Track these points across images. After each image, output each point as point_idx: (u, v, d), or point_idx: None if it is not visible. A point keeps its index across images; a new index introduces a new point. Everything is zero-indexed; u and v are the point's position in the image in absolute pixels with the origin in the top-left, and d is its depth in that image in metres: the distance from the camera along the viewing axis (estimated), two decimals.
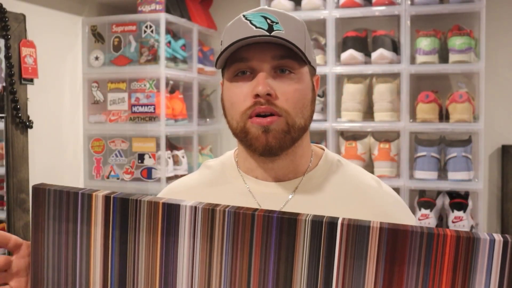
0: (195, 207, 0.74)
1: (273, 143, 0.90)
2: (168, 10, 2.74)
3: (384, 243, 0.68)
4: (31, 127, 2.23)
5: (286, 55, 0.90)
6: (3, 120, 2.17)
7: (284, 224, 0.71)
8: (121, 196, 0.77)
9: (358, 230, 0.69)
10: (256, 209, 0.73)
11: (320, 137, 2.76)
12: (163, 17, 2.62)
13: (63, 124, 2.61)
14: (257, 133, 0.89)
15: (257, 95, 0.89)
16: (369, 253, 0.69)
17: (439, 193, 2.64)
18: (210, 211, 0.73)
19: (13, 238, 0.82)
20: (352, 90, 2.64)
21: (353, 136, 2.75)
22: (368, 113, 2.72)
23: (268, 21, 0.90)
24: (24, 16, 2.23)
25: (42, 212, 0.80)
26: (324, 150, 1.04)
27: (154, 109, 2.61)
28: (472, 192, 2.57)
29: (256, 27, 0.89)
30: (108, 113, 2.70)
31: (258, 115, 0.90)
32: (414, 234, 0.68)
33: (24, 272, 0.83)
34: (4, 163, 2.18)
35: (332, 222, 0.70)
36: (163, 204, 0.75)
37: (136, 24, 2.66)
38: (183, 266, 0.74)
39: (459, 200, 2.55)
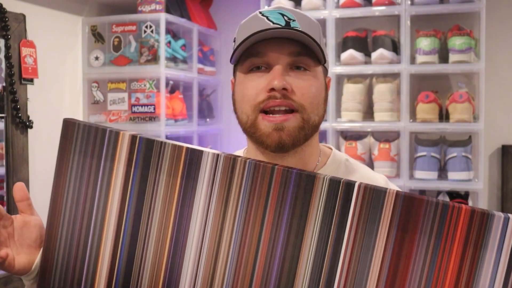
0: (218, 155, 0.75)
1: (287, 140, 0.88)
2: (168, 10, 2.74)
3: (399, 209, 0.69)
4: (31, 127, 2.23)
5: (302, 52, 0.89)
6: (3, 120, 2.17)
7: (303, 179, 0.72)
8: (147, 137, 0.78)
9: (374, 194, 0.70)
10: (276, 164, 0.73)
11: (320, 137, 2.74)
12: (163, 17, 2.62)
13: None
14: (268, 130, 0.88)
15: (272, 89, 0.87)
16: (382, 217, 0.69)
17: (439, 193, 2.64)
18: (232, 160, 0.74)
19: None
20: (352, 90, 2.64)
21: (353, 136, 2.75)
22: (368, 113, 2.72)
23: (285, 18, 0.89)
24: (24, 16, 2.22)
25: (69, 145, 0.82)
26: (332, 149, 1.03)
27: (154, 109, 2.61)
28: (472, 192, 2.57)
29: (274, 23, 0.88)
30: (108, 113, 2.70)
31: (270, 111, 0.88)
32: (429, 203, 0.68)
33: (7, 242, 0.85)
34: (4, 163, 2.18)
35: (350, 183, 0.70)
36: (187, 148, 0.77)
37: (136, 24, 2.66)
38: (198, 212, 0.75)
39: (459, 200, 2.54)
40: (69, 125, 0.82)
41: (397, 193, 0.69)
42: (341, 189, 0.70)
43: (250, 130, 0.91)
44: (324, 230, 0.71)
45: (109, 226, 0.79)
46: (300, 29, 0.87)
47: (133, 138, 0.78)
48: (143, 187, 0.78)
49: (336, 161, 1.00)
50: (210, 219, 0.75)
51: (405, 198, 0.69)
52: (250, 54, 0.90)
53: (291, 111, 0.88)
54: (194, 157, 0.76)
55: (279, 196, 0.72)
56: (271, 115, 0.88)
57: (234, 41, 0.95)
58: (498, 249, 0.67)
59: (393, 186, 1.01)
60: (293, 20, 0.89)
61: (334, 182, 0.71)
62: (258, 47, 0.89)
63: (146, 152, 0.78)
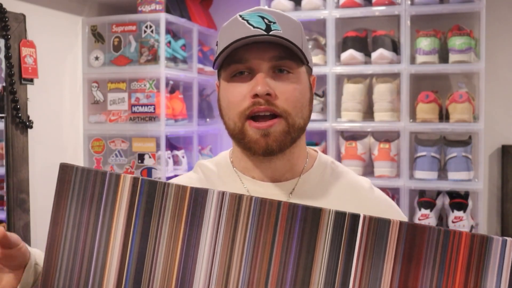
0: (223, 193, 0.75)
1: (274, 145, 0.90)
2: (168, 10, 2.74)
3: (403, 238, 0.71)
4: (31, 127, 2.23)
5: (284, 56, 0.90)
6: (3, 120, 2.17)
7: (309, 214, 0.72)
8: (149, 179, 0.78)
9: (379, 224, 0.71)
10: (281, 200, 0.75)
11: (320, 137, 2.75)
12: (163, 17, 2.62)
13: (63, 124, 2.61)
14: (256, 137, 0.90)
15: (256, 95, 0.88)
16: (388, 247, 0.71)
17: (439, 193, 2.64)
18: (237, 198, 0.74)
19: None
20: (352, 90, 2.64)
21: (353, 136, 2.75)
22: (368, 113, 2.72)
23: (266, 20, 0.90)
24: (24, 16, 2.22)
25: (67, 190, 0.79)
26: (317, 152, 1.04)
27: (154, 109, 2.61)
28: (472, 192, 2.57)
29: (254, 27, 0.88)
30: (108, 113, 2.70)
31: (257, 117, 0.89)
32: (431, 231, 0.70)
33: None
34: (4, 163, 2.18)
35: (355, 215, 0.72)
36: (191, 188, 0.76)
37: (136, 24, 2.66)
38: (204, 252, 0.75)
39: (459, 200, 2.54)
40: (66, 170, 0.80)
41: (401, 223, 0.71)
42: (346, 221, 0.72)
43: (238, 136, 0.92)
44: (331, 263, 0.72)
45: (111, 267, 0.78)
46: (280, 35, 0.88)
47: (135, 180, 0.77)
48: (146, 229, 0.77)
49: (322, 163, 1.01)
50: (217, 259, 0.75)
51: (409, 227, 0.71)
52: (233, 61, 0.91)
53: (275, 116, 0.90)
54: (199, 197, 0.75)
55: (286, 232, 0.73)
56: (257, 121, 0.89)
57: (217, 44, 0.96)
58: (498, 272, 0.70)
59: (377, 190, 1.02)
60: (274, 23, 0.89)
61: (340, 215, 0.72)
62: (240, 53, 0.90)
63: (148, 194, 0.77)
